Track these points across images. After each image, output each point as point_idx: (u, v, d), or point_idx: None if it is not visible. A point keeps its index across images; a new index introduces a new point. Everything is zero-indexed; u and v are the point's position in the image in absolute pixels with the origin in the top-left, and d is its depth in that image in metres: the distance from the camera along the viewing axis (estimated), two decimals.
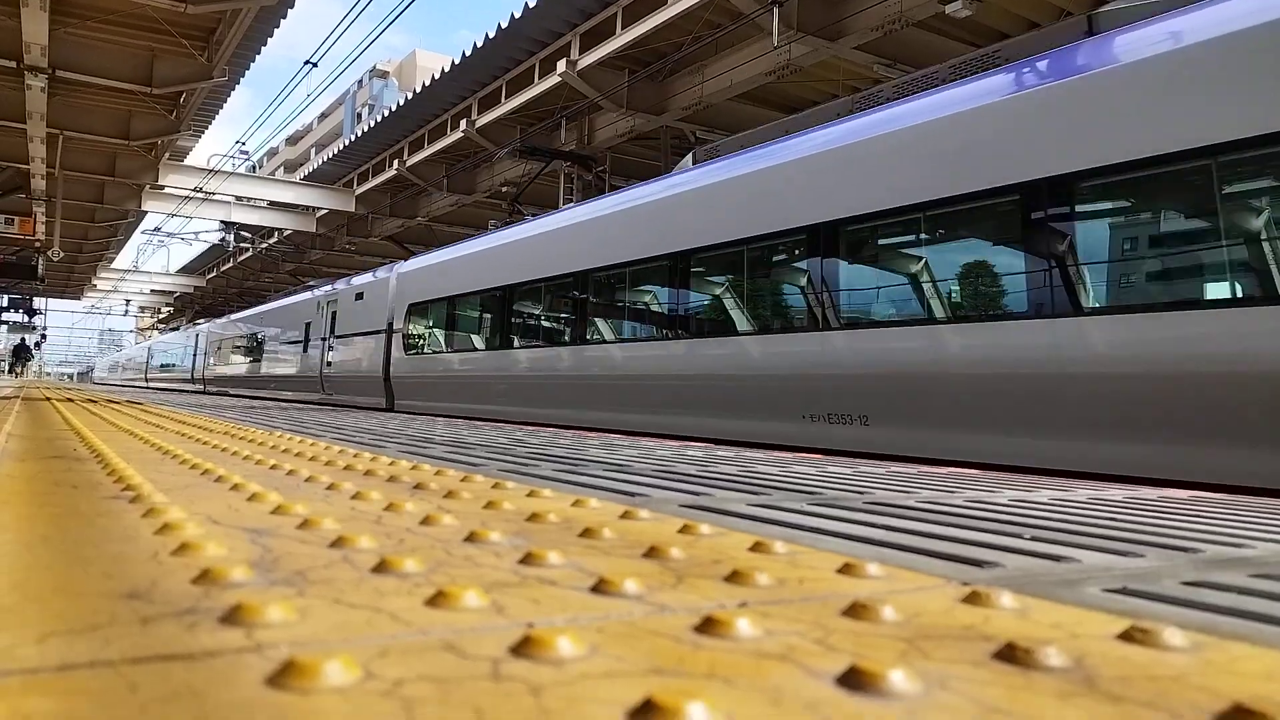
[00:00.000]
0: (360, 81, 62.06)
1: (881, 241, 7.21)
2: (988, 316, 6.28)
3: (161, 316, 57.36)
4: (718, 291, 8.94)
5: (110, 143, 18.32)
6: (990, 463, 5.96)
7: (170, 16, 13.25)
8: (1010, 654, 0.97)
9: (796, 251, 7.88)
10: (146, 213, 25.91)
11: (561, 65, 14.43)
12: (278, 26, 14.00)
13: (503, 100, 16.77)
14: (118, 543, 1.51)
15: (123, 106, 17.17)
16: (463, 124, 18.03)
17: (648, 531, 1.84)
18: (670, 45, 13.47)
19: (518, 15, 14.26)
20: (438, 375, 14.31)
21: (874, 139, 7.16)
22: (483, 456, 3.87)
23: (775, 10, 11.19)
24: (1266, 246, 4.91)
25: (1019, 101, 6.07)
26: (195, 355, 32.35)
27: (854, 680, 0.87)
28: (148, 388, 37.63)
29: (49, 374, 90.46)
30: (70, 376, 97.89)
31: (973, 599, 1.27)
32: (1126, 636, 1.08)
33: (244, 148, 24.23)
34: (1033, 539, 1.93)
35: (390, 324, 15.87)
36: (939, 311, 6.64)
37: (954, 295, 6.63)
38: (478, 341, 13.29)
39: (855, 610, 1.17)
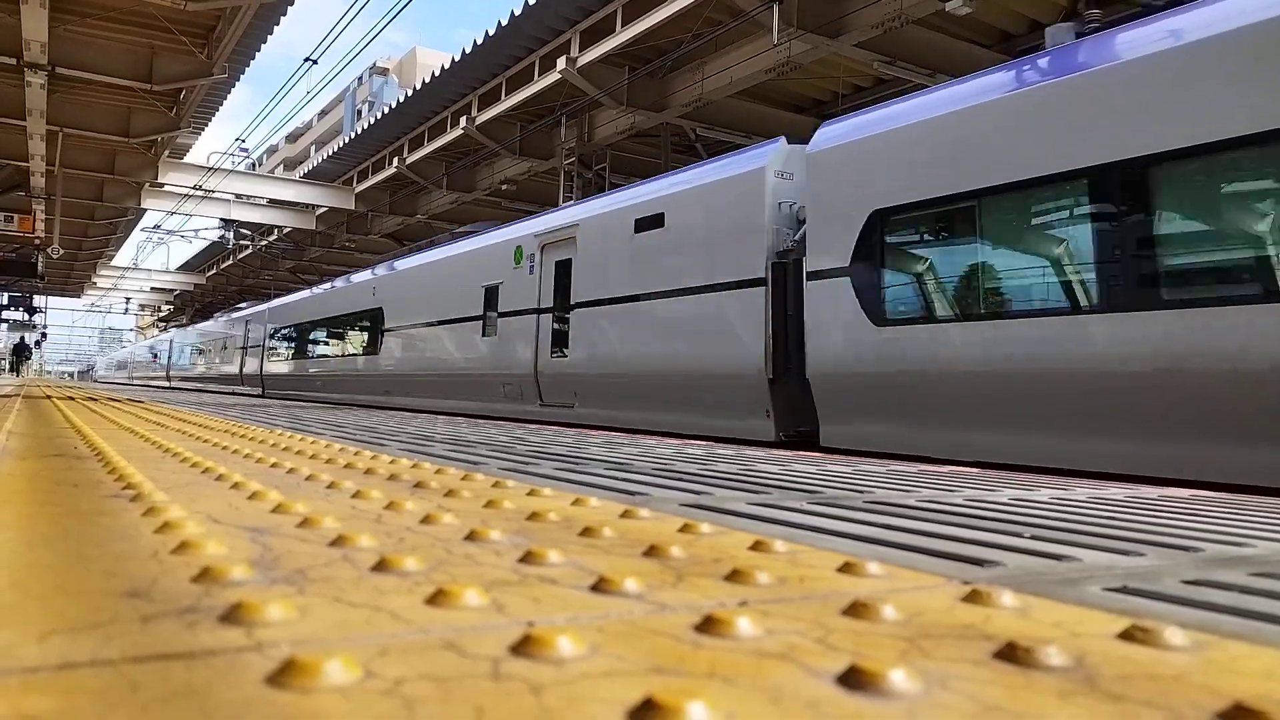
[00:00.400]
0: (360, 78, 62.03)
1: None
2: None
3: (162, 314, 57.38)
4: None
5: (110, 140, 18.29)
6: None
7: (170, 13, 13.23)
8: (1011, 653, 0.97)
9: None
10: (146, 210, 25.89)
11: (562, 62, 14.42)
12: (278, 24, 13.98)
13: (503, 97, 16.75)
14: (118, 541, 1.51)
15: (122, 104, 17.15)
16: (463, 121, 18.01)
17: (648, 530, 1.84)
18: (670, 42, 13.45)
19: (518, 12, 14.25)
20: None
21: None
22: (483, 455, 3.87)
23: (775, 7, 11.17)
24: None
25: None
26: (247, 347, 26.13)
27: (854, 679, 0.87)
28: (171, 389, 31.92)
29: (49, 372, 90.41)
30: (70, 375, 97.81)
31: (973, 598, 1.27)
32: (1127, 635, 1.08)
33: (244, 145, 24.27)
34: (1033, 538, 1.93)
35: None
36: None
37: None
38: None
39: (856, 609, 1.17)
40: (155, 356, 44.23)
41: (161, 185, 22.96)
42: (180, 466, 2.82)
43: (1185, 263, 5.66)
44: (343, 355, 20.11)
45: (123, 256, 40.78)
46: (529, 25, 14.64)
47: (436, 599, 1.14)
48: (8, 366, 53.12)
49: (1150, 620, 1.12)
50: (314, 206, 26.18)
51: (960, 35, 12.39)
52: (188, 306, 49.05)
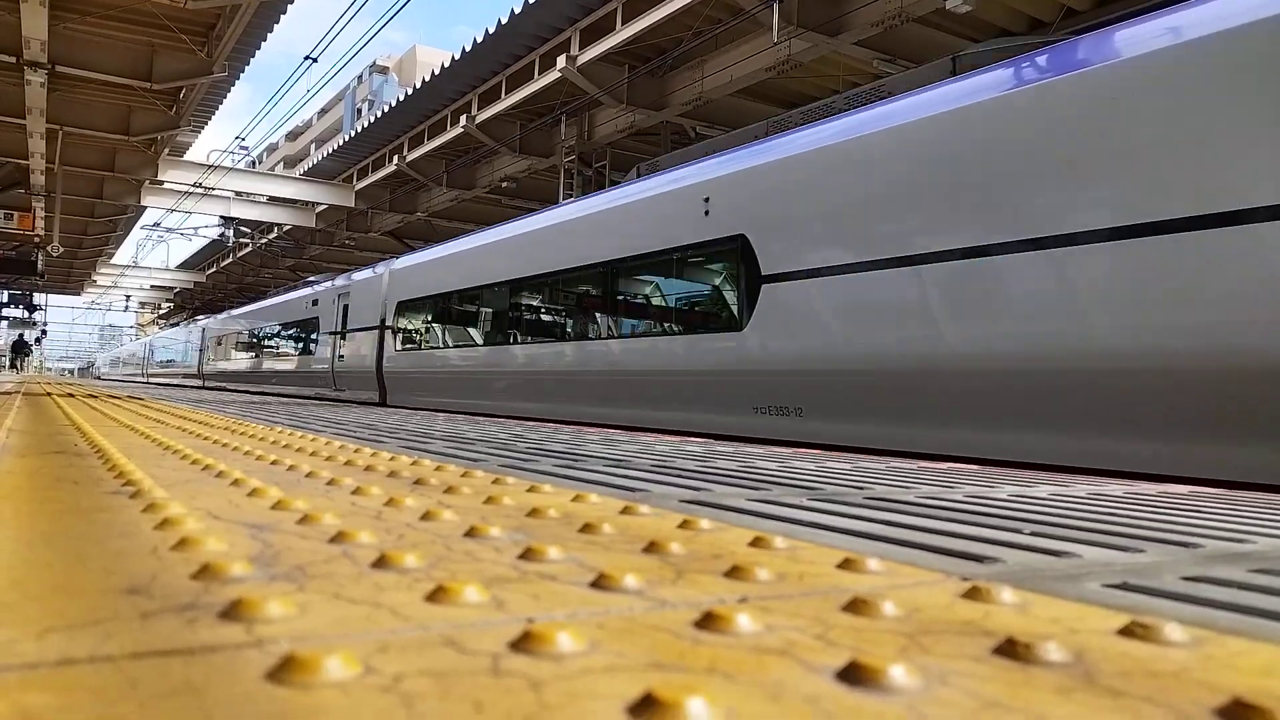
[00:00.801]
0: (360, 77, 62.03)
1: None
2: None
3: (162, 312, 57.39)
4: None
5: (110, 138, 18.29)
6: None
7: (170, 12, 13.23)
8: (1010, 649, 0.97)
9: None
10: (146, 208, 25.91)
11: (561, 61, 14.41)
12: (277, 22, 13.98)
13: (503, 96, 16.75)
14: (118, 538, 1.51)
15: (122, 102, 17.15)
16: (463, 119, 18.00)
17: (648, 527, 1.84)
18: (670, 41, 13.45)
19: (518, 11, 14.24)
20: None
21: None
22: (483, 452, 3.87)
23: (775, 6, 11.17)
24: None
25: None
26: (320, 334, 19.91)
27: (854, 675, 0.87)
28: (205, 388, 28.47)
29: (50, 369, 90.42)
30: (70, 372, 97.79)
31: (973, 594, 1.27)
32: (1126, 632, 1.08)
33: (244, 143, 24.18)
34: (1032, 534, 1.93)
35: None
36: None
37: None
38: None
39: (855, 605, 1.17)
40: (179, 350, 38.11)
41: (161, 183, 22.97)
42: (180, 463, 2.83)
43: None
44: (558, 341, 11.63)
45: (123, 254, 40.78)
46: (529, 23, 14.64)
47: (436, 595, 1.14)
48: (7, 364, 53.13)
49: (1150, 616, 1.12)
50: (314, 204, 26.19)
51: (960, 33, 12.39)
52: (187, 304, 49.06)
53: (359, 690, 0.79)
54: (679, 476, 3.03)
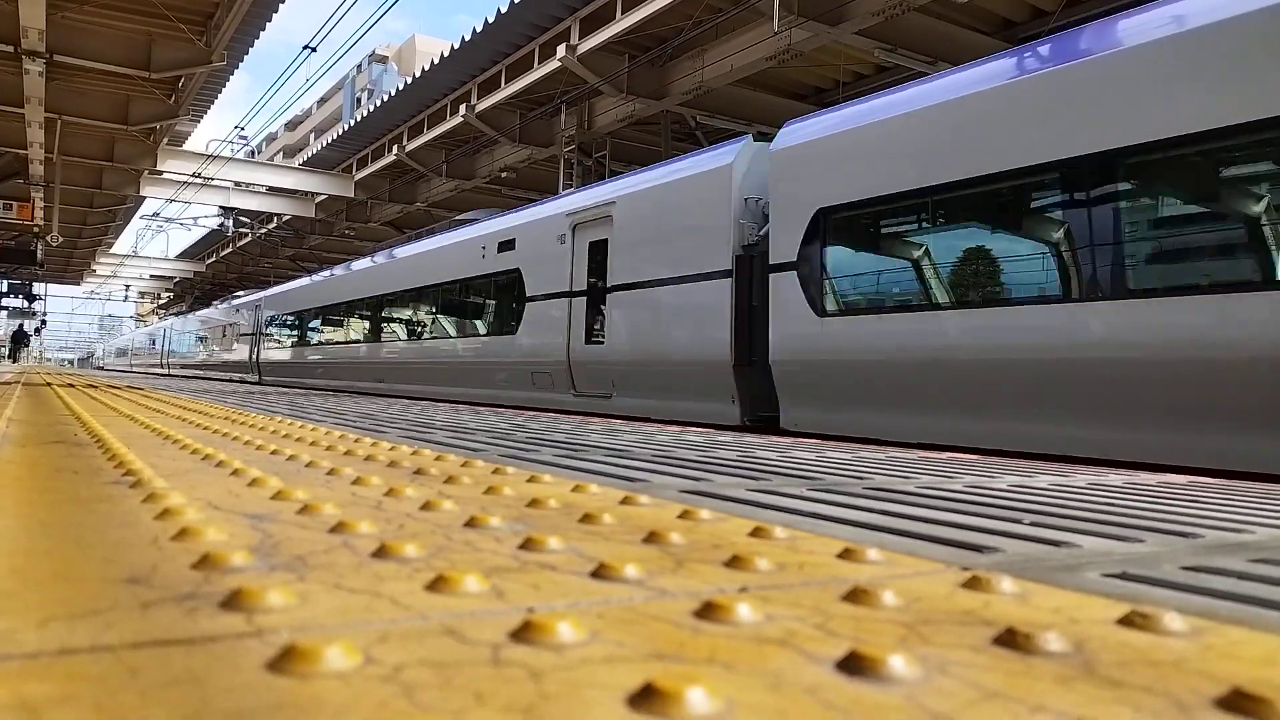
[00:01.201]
0: (359, 66, 61.81)
1: None
2: None
3: (161, 301, 57.36)
4: None
5: (108, 127, 18.24)
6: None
7: (168, 0, 13.19)
8: (1010, 639, 0.98)
9: None
10: (145, 198, 25.85)
11: (561, 50, 14.36)
12: (276, 10, 13.92)
13: (502, 85, 16.69)
14: (118, 528, 1.51)
15: (121, 91, 17.10)
16: (462, 109, 17.95)
17: (648, 517, 1.84)
18: (670, 30, 13.39)
19: (517, 0, 14.20)
20: None
21: None
22: (483, 442, 3.87)
23: None
24: None
25: None
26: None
27: (854, 665, 0.87)
28: (259, 384, 22.37)
29: (49, 360, 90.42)
30: (70, 362, 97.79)
31: (972, 584, 1.27)
32: (1126, 621, 1.08)
33: (243, 133, 24.12)
34: (1032, 524, 1.94)
35: None
36: None
37: None
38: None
39: (855, 595, 1.17)
40: (218, 336, 30.43)
41: (160, 173, 22.92)
42: (180, 453, 2.83)
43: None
44: None
45: (122, 244, 40.66)
46: (528, 12, 14.58)
47: (436, 585, 1.15)
48: (6, 353, 53.12)
49: (1149, 606, 1.12)
50: (313, 194, 26.12)
51: (961, 22, 12.34)
52: (187, 294, 49.02)
53: (359, 680, 0.79)
54: (679, 466, 3.03)
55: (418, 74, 18.55)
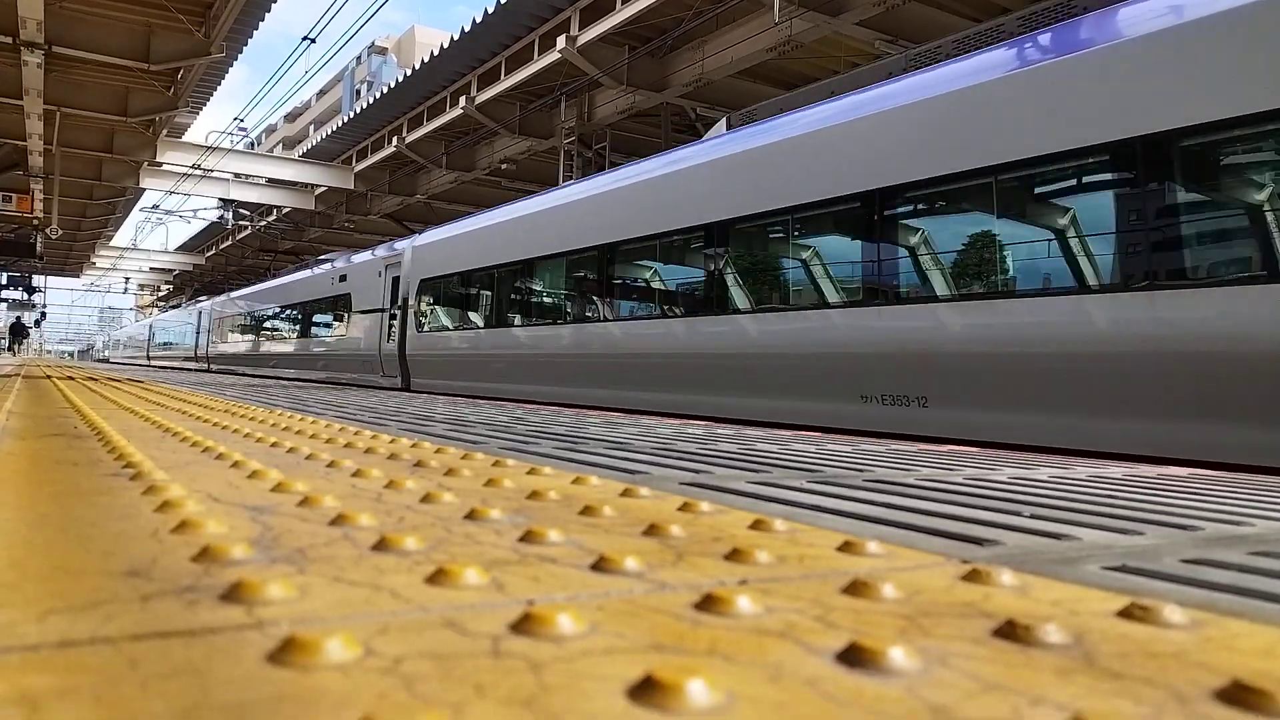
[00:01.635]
0: (359, 58, 61.67)
1: None
2: None
3: (161, 294, 57.34)
4: None
5: (108, 119, 18.23)
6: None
7: None
8: (1010, 631, 0.98)
9: None
10: (145, 190, 25.84)
11: (561, 41, 14.34)
12: (275, 1, 13.90)
13: (502, 77, 16.67)
14: (118, 520, 1.51)
15: (120, 83, 17.07)
16: (462, 100, 17.93)
17: (648, 509, 1.84)
18: (671, 21, 13.37)
19: None
20: None
21: None
22: (483, 434, 3.87)
23: None
24: None
25: None
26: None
27: (854, 657, 0.87)
28: (290, 382, 15.49)
29: (49, 352, 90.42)
30: (70, 355, 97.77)
31: (973, 576, 1.27)
32: (1126, 614, 1.08)
33: (242, 124, 24.05)
34: (1032, 517, 1.94)
35: None
36: None
37: None
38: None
39: (855, 588, 1.17)
40: (253, 324, 26.93)
41: (160, 164, 22.90)
42: (180, 446, 2.83)
43: None
44: None
45: (122, 236, 40.69)
46: (528, 3, 14.56)
47: (436, 578, 1.15)
48: (6, 346, 53.09)
49: (1149, 598, 1.12)
50: (313, 186, 26.10)
51: (961, 12, 12.32)
52: (187, 286, 49.00)
53: (359, 672, 0.79)
54: (679, 459, 3.03)
55: (417, 65, 18.53)
